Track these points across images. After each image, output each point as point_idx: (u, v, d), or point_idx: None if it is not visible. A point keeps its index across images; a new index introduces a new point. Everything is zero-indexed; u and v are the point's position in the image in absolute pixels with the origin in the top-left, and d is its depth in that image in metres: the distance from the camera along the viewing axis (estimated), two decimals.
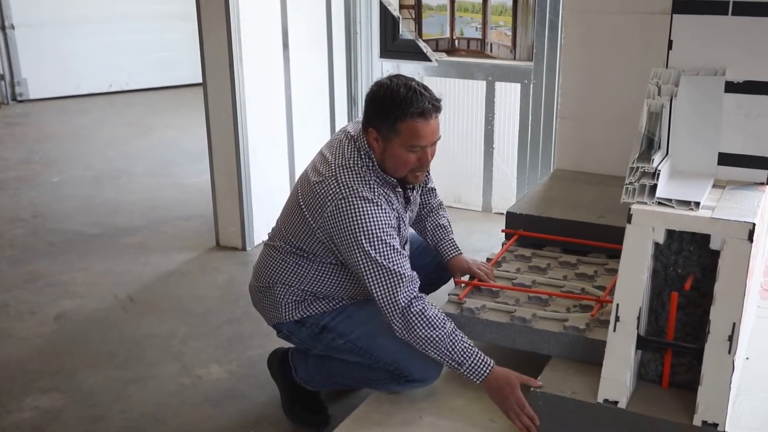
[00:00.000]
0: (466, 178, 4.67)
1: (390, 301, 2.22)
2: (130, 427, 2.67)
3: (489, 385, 2.22)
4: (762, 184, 2.19)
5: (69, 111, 7.63)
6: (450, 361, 2.22)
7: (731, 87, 2.18)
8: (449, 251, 2.67)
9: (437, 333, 2.20)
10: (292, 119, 4.31)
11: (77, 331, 3.36)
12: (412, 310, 2.21)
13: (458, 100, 4.58)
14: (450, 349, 2.21)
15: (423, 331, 2.20)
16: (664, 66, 2.24)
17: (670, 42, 2.23)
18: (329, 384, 2.61)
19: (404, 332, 2.23)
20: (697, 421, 1.96)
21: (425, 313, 2.22)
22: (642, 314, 2.05)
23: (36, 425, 2.69)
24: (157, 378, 2.97)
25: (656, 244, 2.03)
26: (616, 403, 2.06)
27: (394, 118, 2.25)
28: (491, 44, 4.46)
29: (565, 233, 2.84)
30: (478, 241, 4.17)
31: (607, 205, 2.95)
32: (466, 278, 2.62)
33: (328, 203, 2.25)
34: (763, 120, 2.16)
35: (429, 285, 2.72)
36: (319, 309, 2.41)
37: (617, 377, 2.06)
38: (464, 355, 2.21)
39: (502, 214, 3.06)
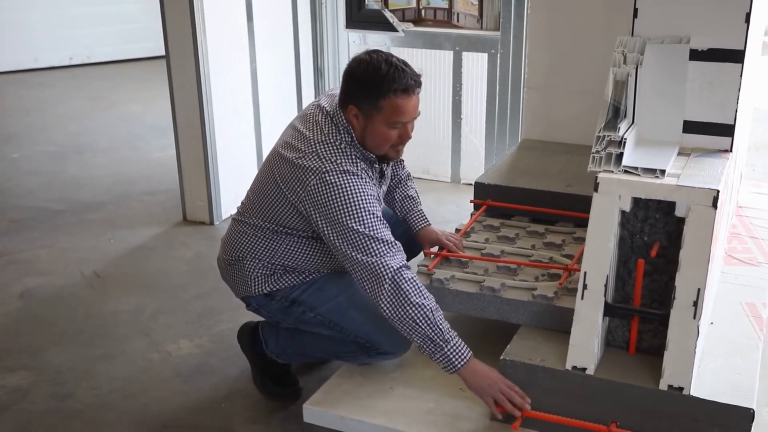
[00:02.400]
0: (435, 149, 4.67)
1: (380, 265, 2.14)
2: (100, 403, 2.65)
3: (472, 371, 2.16)
4: (726, 151, 2.22)
5: (27, 85, 7.46)
6: (437, 335, 2.14)
7: (695, 55, 2.18)
8: (418, 222, 2.67)
9: (428, 302, 2.16)
10: (257, 92, 4.26)
11: (43, 309, 3.32)
12: (404, 275, 2.16)
13: (425, 70, 4.45)
14: (439, 323, 2.15)
15: (414, 296, 2.14)
16: (629, 34, 2.24)
17: (636, 10, 2.23)
18: (300, 357, 2.61)
19: (392, 298, 2.14)
20: (663, 386, 2.00)
21: (415, 280, 2.18)
22: (609, 282, 2.07)
23: (3, 404, 2.66)
24: (126, 354, 2.95)
25: (623, 212, 2.05)
26: (584, 369, 2.08)
27: (376, 96, 2.22)
28: (458, 14, 4.44)
29: (533, 203, 2.85)
30: (447, 211, 4.18)
31: (575, 174, 2.96)
32: (435, 249, 2.63)
33: (311, 178, 2.21)
34: (727, 88, 2.18)
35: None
36: (289, 282, 2.40)
37: (585, 344, 2.08)
38: (450, 333, 2.16)
39: (471, 184, 3.07)
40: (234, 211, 2.56)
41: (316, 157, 2.23)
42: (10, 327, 3.18)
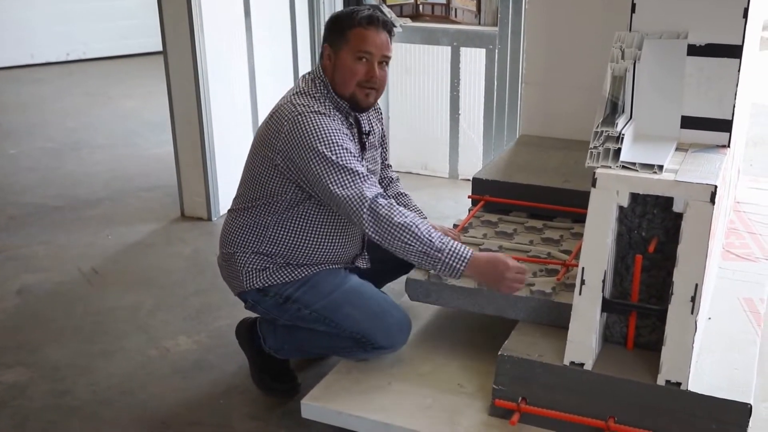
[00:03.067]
0: (433, 144, 4.67)
1: (356, 196, 2.20)
2: (98, 400, 2.65)
3: (477, 268, 2.21)
4: (724, 146, 2.22)
5: (24, 81, 7.45)
6: (429, 248, 2.18)
7: (693, 50, 2.18)
8: None
9: (409, 219, 2.20)
10: (255, 87, 4.25)
11: (41, 306, 3.31)
12: (380, 202, 2.22)
13: (423, 66, 4.55)
14: (427, 235, 2.19)
15: (396, 218, 2.19)
16: (627, 30, 2.24)
17: (633, 5, 2.23)
18: (298, 353, 2.61)
19: (375, 226, 2.19)
20: (660, 381, 2.00)
21: (392, 204, 2.24)
22: (607, 277, 2.07)
23: (1, 400, 2.66)
24: (125, 350, 2.95)
25: (620, 208, 2.05)
26: (582, 365, 2.09)
27: (343, 27, 2.36)
28: (456, 9, 4.43)
29: (531, 198, 2.85)
30: (445, 207, 4.18)
31: (573, 169, 2.96)
32: None
33: (285, 123, 2.29)
34: (725, 83, 2.18)
35: (401, 267, 2.71)
36: (281, 278, 2.40)
37: (583, 340, 2.09)
38: (442, 240, 2.20)
39: (469, 180, 3.07)
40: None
41: (290, 104, 2.33)
42: (7, 323, 3.18)
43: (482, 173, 3.03)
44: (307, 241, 2.40)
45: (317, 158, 2.23)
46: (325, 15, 4.67)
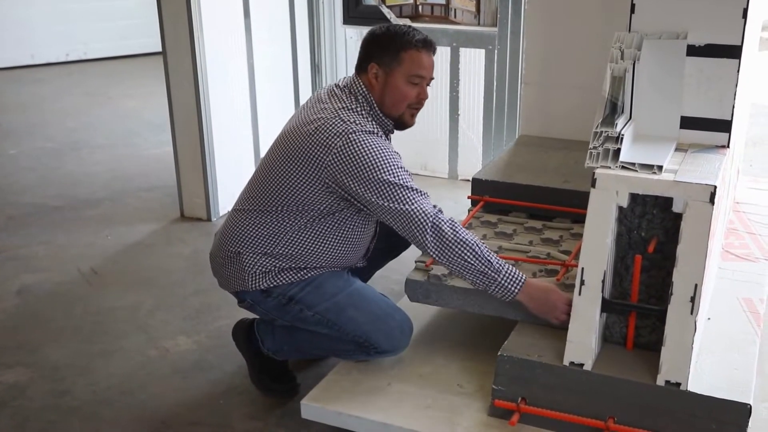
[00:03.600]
0: (432, 145, 4.67)
1: (419, 212, 2.20)
2: (97, 400, 2.65)
3: (530, 294, 2.21)
4: (723, 146, 2.22)
5: (24, 81, 7.45)
6: (488, 267, 2.19)
7: (693, 50, 2.18)
8: None
9: (471, 237, 2.21)
10: (255, 88, 4.25)
11: (40, 306, 3.31)
12: (441, 218, 2.23)
13: None
14: (487, 255, 2.20)
15: (460, 234, 2.20)
16: (626, 30, 2.24)
17: (633, 6, 2.23)
18: (297, 354, 2.61)
19: (438, 242, 2.19)
20: (660, 381, 2.00)
21: (453, 221, 2.24)
22: (606, 277, 2.08)
23: (1, 400, 2.66)
24: (124, 350, 2.95)
25: (620, 208, 2.05)
26: (581, 365, 2.09)
27: (397, 48, 2.33)
28: (455, 10, 4.43)
29: (530, 199, 2.85)
30: (445, 208, 4.09)
31: (572, 170, 2.96)
32: None
33: (336, 140, 2.24)
34: (724, 83, 2.18)
35: (390, 251, 2.73)
36: (287, 279, 2.38)
37: (583, 340, 2.09)
38: (499, 262, 2.21)
39: (468, 180, 3.07)
40: (231, 206, 2.55)
41: (339, 120, 2.27)
42: (7, 323, 3.18)
43: (482, 174, 3.03)
44: (323, 247, 2.39)
45: (378, 185, 2.21)
46: (324, 15, 4.68)
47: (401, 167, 2.26)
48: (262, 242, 2.37)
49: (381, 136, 2.30)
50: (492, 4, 4.30)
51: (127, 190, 4.64)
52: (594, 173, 2.04)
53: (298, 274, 2.39)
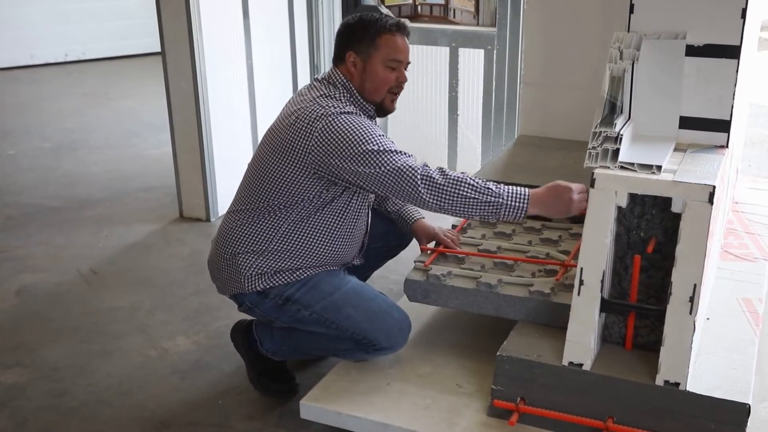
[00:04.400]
0: (431, 144, 4.67)
1: (405, 168, 2.22)
2: (96, 400, 2.65)
3: (541, 202, 2.21)
4: (722, 146, 2.22)
5: (23, 81, 7.45)
6: (489, 195, 2.19)
7: (692, 51, 2.19)
8: (413, 214, 2.69)
9: (460, 174, 2.23)
10: (254, 88, 4.25)
11: (39, 306, 3.31)
12: (428, 168, 2.25)
13: (422, 66, 4.55)
14: (483, 184, 2.21)
15: (450, 175, 2.22)
16: (625, 30, 2.24)
17: (632, 6, 2.23)
18: (295, 354, 2.61)
19: (432, 189, 2.21)
20: (659, 381, 2.00)
21: (440, 167, 2.27)
22: (605, 277, 2.08)
23: (0, 401, 2.65)
24: (123, 351, 2.94)
25: (619, 208, 2.05)
26: (581, 365, 2.09)
27: (373, 34, 2.37)
28: (454, 10, 4.43)
29: None
30: None
31: (571, 170, 2.96)
32: (432, 245, 2.63)
33: (317, 124, 2.27)
34: (723, 83, 2.18)
35: (387, 251, 2.74)
36: (283, 280, 2.38)
37: (582, 340, 2.09)
38: (497, 186, 2.23)
39: None
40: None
41: (318, 106, 2.31)
42: (6, 324, 3.18)
43: (481, 174, 3.03)
44: (317, 242, 2.39)
45: (362, 156, 2.23)
46: (323, 16, 4.68)
47: (381, 135, 2.29)
48: (256, 240, 2.38)
49: (359, 115, 2.33)
50: (491, 4, 4.30)
51: (126, 191, 4.64)
52: (593, 173, 2.04)
53: (294, 275, 2.39)
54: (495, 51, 4.31)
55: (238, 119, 4.21)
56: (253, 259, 2.38)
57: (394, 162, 2.24)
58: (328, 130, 2.26)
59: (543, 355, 2.15)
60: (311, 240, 2.38)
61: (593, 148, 2.07)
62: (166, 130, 4.18)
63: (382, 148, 2.25)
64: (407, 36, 2.43)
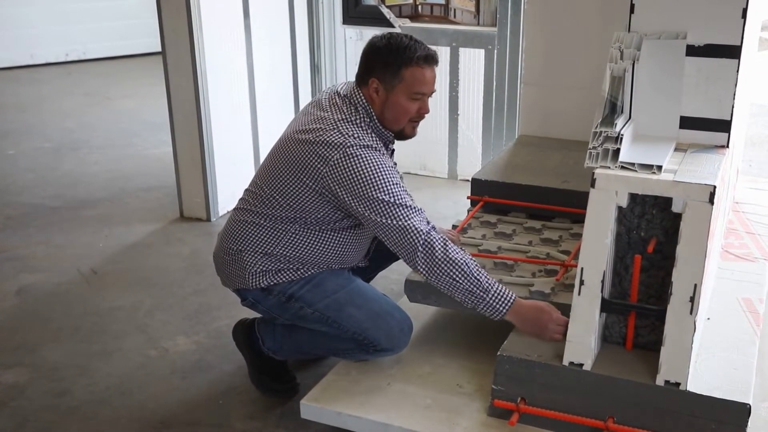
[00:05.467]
0: (431, 145, 4.66)
1: (411, 229, 2.20)
2: (96, 400, 2.65)
3: (520, 313, 2.21)
4: (722, 146, 2.22)
5: (23, 81, 7.44)
6: (477, 287, 2.19)
7: (692, 51, 2.18)
8: None
9: (461, 257, 2.21)
10: (254, 88, 4.25)
11: (39, 306, 3.31)
12: (434, 236, 2.21)
13: None
14: (476, 274, 2.20)
15: (450, 254, 2.19)
16: (626, 30, 2.24)
17: (632, 6, 2.23)
18: (297, 353, 2.61)
19: (428, 261, 2.19)
20: (660, 381, 2.00)
21: (445, 239, 2.23)
22: (606, 277, 2.07)
23: (0, 401, 2.65)
24: (123, 351, 2.94)
25: (619, 208, 2.05)
26: (581, 365, 2.09)
27: (399, 65, 2.29)
28: (455, 10, 4.43)
29: (530, 199, 2.85)
30: (444, 208, 4.18)
31: (572, 170, 2.96)
32: None
33: (333, 153, 2.23)
34: (724, 83, 2.18)
35: (393, 253, 2.73)
36: (287, 278, 2.39)
37: (582, 340, 2.08)
38: (489, 281, 2.21)
39: (468, 180, 3.07)
40: (231, 207, 2.55)
41: (337, 133, 2.26)
42: (6, 324, 3.18)
43: (481, 174, 3.03)
44: (323, 251, 2.39)
45: (371, 202, 2.21)
46: (323, 15, 4.68)
47: (397, 183, 2.25)
48: (262, 243, 2.38)
49: (380, 150, 2.29)
50: (491, 4, 4.30)
51: (126, 191, 4.64)
52: (593, 173, 2.04)
53: (298, 273, 2.39)
54: (495, 51, 4.31)
55: (238, 119, 4.21)
56: (258, 258, 2.39)
57: (402, 219, 2.21)
58: (344, 163, 2.22)
59: (543, 355, 2.15)
60: (317, 248, 2.38)
61: (594, 148, 2.07)
62: (167, 130, 4.18)
63: (394, 201, 2.21)
64: (436, 65, 2.35)
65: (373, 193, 2.20)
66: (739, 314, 2.39)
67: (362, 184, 2.21)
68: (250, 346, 2.60)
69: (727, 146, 2.22)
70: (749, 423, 1.95)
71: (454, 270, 2.19)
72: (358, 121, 2.31)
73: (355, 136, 2.26)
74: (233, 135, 4.17)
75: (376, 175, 2.21)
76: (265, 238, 2.37)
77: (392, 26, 4.51)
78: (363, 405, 2.26)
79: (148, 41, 7.42)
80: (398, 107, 2.33)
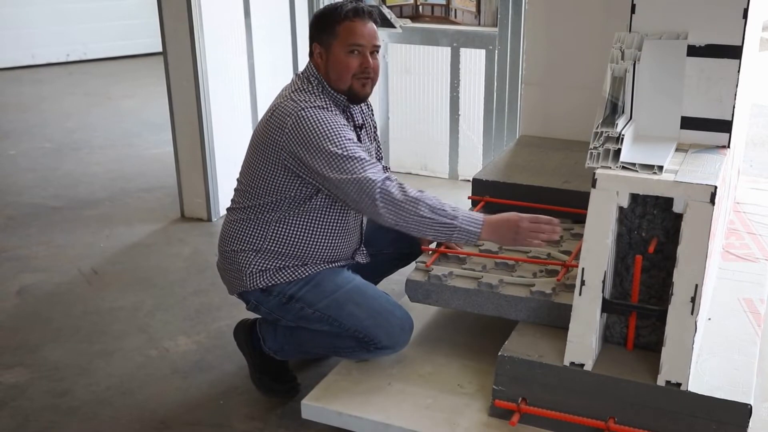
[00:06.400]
0: (432, 145, 4.67)
1: (366, 180, 2.21)
2: (97, 400, 2.65)
3: (492, 228, 2.25)
4: (724, 147, 2.22)
5: (24, 81, 7.45)
6: (445, 216, 2.21)
7: (693, 51, 2.18)
8: None
9: (419, 193, 2.24)
10: (255, 88, 4.25)
11: (40, 306, 3.31)
12: (389, 182, 2.23)
13: (423, 66, 4.55)
14: (440, 205, 2.23)
15: (409, 192, 2.22)
16: (627, 30, 2.24)
17: (633, 6, 2.23)
18: (298, 353, 2.61)
19: (389, 205, 2.21)
20: (660, 381, 2.00)
21: (401, 183, 2.26)
22: (607, 278, 2.07)
23: (1, 400, 2.65)
24: (124, 351, 2.94)
25: (620, 208, 2.05)
26: (582, 365, 2.09)
27: (331, 23, 2.39)
28: (455, 10, 4.43)
29: (530, 199, 2.85)
30: None
31: (572, 170, 2.96)
32: (433, 245, 2.63)
33: (287, 119, 2.31)
34: (725, 84, 2.18)
35: (400, 258, 2.73)
36: (285, 278, 2.40)
37: (583, 340, 2.08)
38: (454, 208, 2.25)
39: (469, 180, 3.07)
40: None
41: (291, 102, 2.35)
42: (7, 324, 3.18)
43: (482, 174, 3.02)
44: (309, 238, 2.41)
45: (325, 155, 2.25)
46: None
47: (349, 138, 2.30)
48: (251, 239, 2.42)
49: (331, 110, 2.35)
50: (492, 4, 4.30)
51: (127, 191, 4.64)
52: (594, 173, 2.04)
53: (296, 272, 2.40)
54: (496, 51, 4.31)
55: (239, 119, 4.21)
56: (252, 257, 2.41)
57: (355, 171, 2.23)
58: (297, 124, 2.29)
59: (544, 356, 2.15)
60: (301, 239, 2.41)
61: (595, 148, 2.07)
62: (168, 130, 4.19)
63: (345, 153, 2.25)
64: (372, 20, 2.41)
65: (326, 144, 2.25)
66: (740, 314, 2.39)
67: (315, 138, 2.26)
68: (251, 346, 2.60)
69: (729, 146, 2.22)
70: (750, 424, 1.95)
71: (418, 207, 2.21)
72: (310, 89, 2.39)
73: (306, 100, 2.34)
74: (234, 135, 4.17)
75: (325, 127, 2.27)
76: (253, 233, 2.42)
77: (393, 26, 4.51)
78: (364, 405, 2.26)
79: (149, 41, 7.43)
80: (338, 64, 2.38)
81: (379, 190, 2.21)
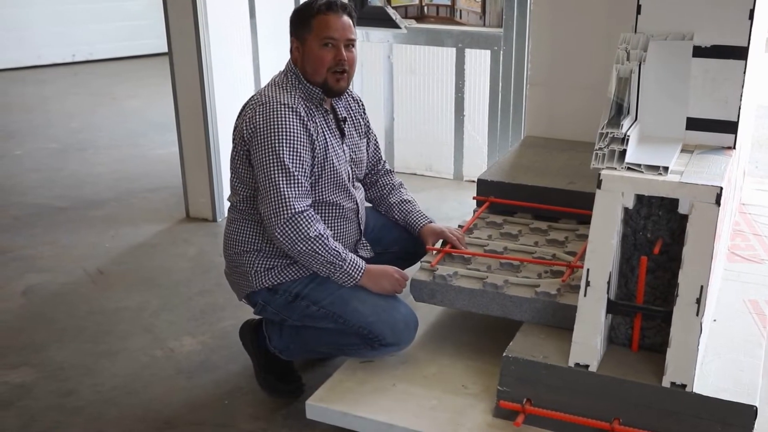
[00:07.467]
0: (437, 146, 4.66)
1: (285, 203, 2.28)
2: (102, 400, 2.66)
3: (370, 277, 2.38)
4: (729, 148, 2.21)
5: (30, 82, 7.47)
6: (335, 258, 2.31)
7: (699, 52, 2.18)
8: (420, 220, 2.68)
9: (323, 231, 2.31)
10: (260, 88, 4.25)
11: (45, 306, 3.32)
12: (305, 215, 2.30)
13: (428, 67, 4.55)
14: (334, 247, 2.33)
15: (312, 232, 2.29)
16: (632, 31, 2.23)
17: (639, 7, 2.22)
18: (304, 352, 2.61)
19: (291, 236, 2.28)
20: (665, 383, 2.00)
21: (312, 216, 2.31)
22: (612, 279, 2.07)
23: (7, 400, 2.66)
24: (129, 351, 2.95)
25: (626, 209, 2.05)
26: (587, 366, 2.08)
27: (306, 17, 2.42)
28: (460, 10, 4.43)
29: (535, 200, 2.85)
30: (450, 208, 4.18)
31: (578, 171, 2.96)
32: (438, 244, 2.63)
33: (253, 112, 2.36)
34: (730, 84, 2.18)
35: (405, 257, 2.73)
36: (290, 276, 2.41)
37: (588, 341, 2.08)
38: (344, 251, 2.35)
39: (474, 181, 3.07)
40: None
41: (259, 95, 2.41)
42: (12, 324, 3.18)
43: (487, 174, 3.02)
44: None
45: (270, 153, 2.30)
46: None
47: (298, 152, 2.32)
48: (249, 238, 2.46)
49: (295, 110, 2.35)
50: (497, 5, 4.30)
51: (132, 191, 4.65)
52: (599, 174, 2.04)
53: (301, 270, 2.42)
54: (501, 52, 4.31)
55: None
56: (254, 257, 2.44)
57: (282, 188, 2.29)
58: (258, 115, 2.34)
59: (549, 356, 2.15)
60: None
61: (600, 149, 2.07)
62: (173, 130, 4.19)
63: (289, 166, 2.30)
64: (346, 14, 2.43)
65: (272, 143, 2.30)
66: (746, 316, 2.38)
67: (266, 132, 2.31)
68: (256, 346, 2.61)
69: (734, 147, 2.22)
70: (756, 425, 1.94)
71: (315, 246, 2.29)
72: (284, 84, 2.43)
73: (275, 94, 2.37)
74: None
75: (282, 131, 2.31)
76: (249, 233, 2.46)
77: (398, 27, 4.51)
78: (368, 405, 2.26)
79: (155, 42, 7.44)
80: (313, 57, 2.41)
81: (289, 217, 2.28)
